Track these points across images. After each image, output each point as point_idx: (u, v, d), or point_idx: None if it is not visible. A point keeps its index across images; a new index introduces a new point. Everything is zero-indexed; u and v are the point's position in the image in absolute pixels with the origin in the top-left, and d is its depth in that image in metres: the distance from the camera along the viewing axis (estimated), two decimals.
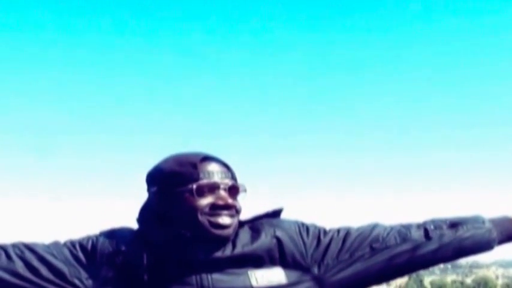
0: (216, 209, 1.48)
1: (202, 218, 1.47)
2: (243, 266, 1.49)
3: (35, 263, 1.51)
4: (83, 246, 1.54)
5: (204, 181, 1.49)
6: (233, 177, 1.55)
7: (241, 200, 1.56)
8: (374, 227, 1.64)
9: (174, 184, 1.51)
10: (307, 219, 1.65)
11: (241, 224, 1.57)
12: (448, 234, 1.63)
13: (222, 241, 1.50)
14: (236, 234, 1.54)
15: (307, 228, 1.60)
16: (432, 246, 1.61)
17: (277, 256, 1.53)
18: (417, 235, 1.62)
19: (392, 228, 1.63)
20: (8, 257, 1.51)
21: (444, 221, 1.66)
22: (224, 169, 1.54)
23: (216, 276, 1.47)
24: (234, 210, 1.51)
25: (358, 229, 1.63)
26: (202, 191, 1.48)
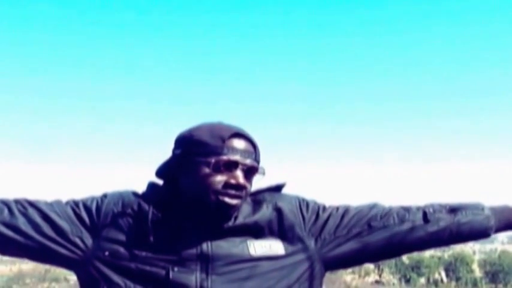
0: (227, 187, 1.48)
1: (211, 195, 1.47)
2: (243, 235, 1.52)
3: (38, 219, 1.52)
4: (86, 206, 1.55)
5: (224, 157, 1.48)
6: (256, 159, 1.54)
7: (255, 182, 1.56)
8: (373, 206, 1.66)
9: (198, 153, 1.50)
10: (309, 192, 1.68)
11: None
12: (446, 219, 1.65)
13: (226, 217, 1.51)
14: None
15: (307, 204, 1.63)
16: (429, 229, 1.64)
17: (276, 228, 1.56)
18: (416, 217, 1.64)
19: (391, 208, 1.66)
20: (11, 212, 1.52)
21: (444, 205, 1.68)
22: (250, 149, 1.52)
23: (216, 242, 1.49)
24: (244, 191, 1.51)
25: (357, 207, 1.66)
26: (219, 167, 1.48)
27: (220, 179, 1.48)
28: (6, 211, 1.52)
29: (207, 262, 1.47)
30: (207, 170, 1.48)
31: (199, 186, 1.49)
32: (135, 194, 1.60)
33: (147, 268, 1.47)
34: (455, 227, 1.66)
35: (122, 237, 1.51)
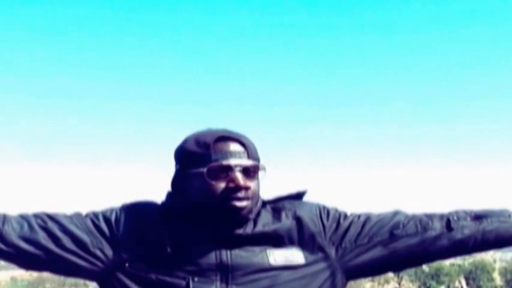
0: (229, 192, 1.47)
1: (217, 202, 1.47)
2: (262, 244, 1.51)
3: (58, 233, 1.52)
4: (106, 218, 1.56)
5: (215, 164, 1.47)
6: (251, 156, 1.51)
7: (261, 178, 1.54)
8: (395, 213, 1.63)
9: (190, 165, 1.50)
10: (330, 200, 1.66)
11: (263, 204, 1.58)
12: (471, 226, 1.60)
13: (240, 221, 1.50)
14: (258, 213, 1.54)
15: (328, 212, 1.61)
16: (453, 237, 1.59)
17: (296, 237, 1.54)
18: (439, 225, 1.60)
19: (414, 216, 1.62)
20: (31, 227, 1.52)
21: (469, 212, 1.63)
22: (241, 148, 1.50)
23: (235, 252, 1.48)
24: (249, 192, 1.49)
25: (378, 215, 1.63)
26: (214, 174, 1.47)
27: (219, 185, 1.47)
28: (26, 226, 1.52)
29: (226, 272, 1.46)
30: (203, 180, 1.47)
31: (203, 196, 1.48)
32: (153, 204, 1.60)
33: (168, 279, 1.46)
34: (481, 235, 1.60)
35: (141, 248, 1.51)
